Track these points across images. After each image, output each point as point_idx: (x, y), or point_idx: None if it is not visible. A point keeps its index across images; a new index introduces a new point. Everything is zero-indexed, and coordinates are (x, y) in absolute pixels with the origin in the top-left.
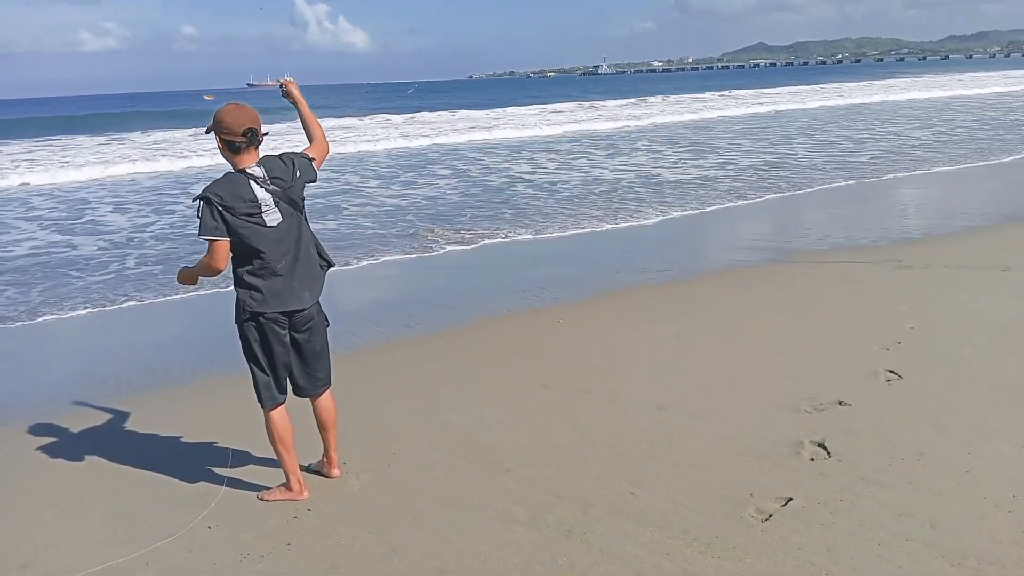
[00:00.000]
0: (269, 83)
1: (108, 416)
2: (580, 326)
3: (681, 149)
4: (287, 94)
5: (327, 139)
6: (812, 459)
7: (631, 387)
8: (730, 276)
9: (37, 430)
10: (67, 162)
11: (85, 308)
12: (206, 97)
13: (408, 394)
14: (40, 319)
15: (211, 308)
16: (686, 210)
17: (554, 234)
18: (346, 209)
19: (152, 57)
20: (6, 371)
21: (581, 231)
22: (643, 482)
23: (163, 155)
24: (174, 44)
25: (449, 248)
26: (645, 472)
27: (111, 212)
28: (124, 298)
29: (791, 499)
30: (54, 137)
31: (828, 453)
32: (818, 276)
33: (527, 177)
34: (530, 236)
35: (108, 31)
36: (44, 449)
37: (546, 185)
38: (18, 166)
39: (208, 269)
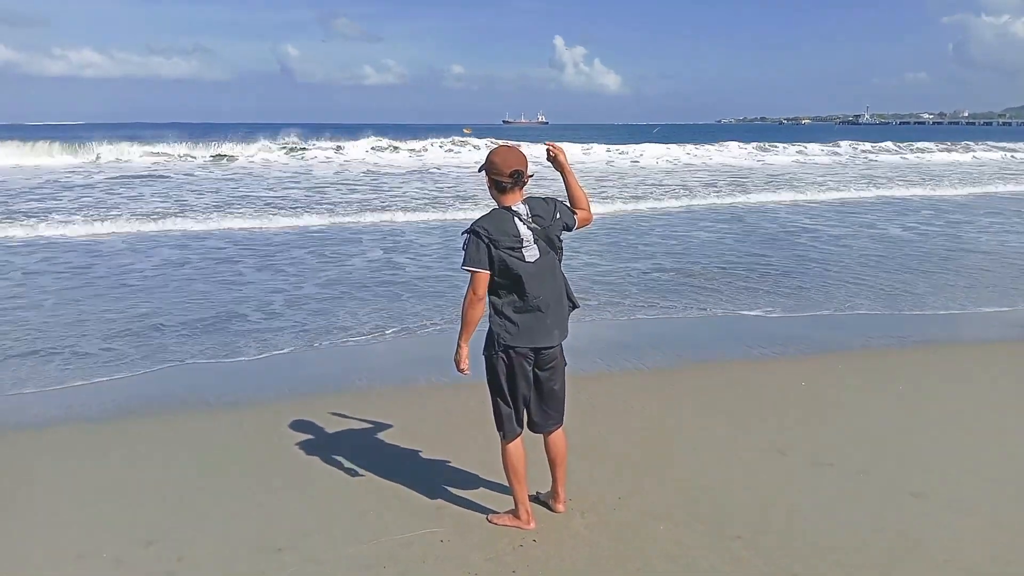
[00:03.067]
0: (522, 121)
1: (365, 424)
2: (822, 388)
3: None
4: (552, 159)
5: (591, 210)
6: None
7: (881, 467)
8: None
9: (315, 429)
10: None
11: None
12: (465, 131)
13: (639, 438)
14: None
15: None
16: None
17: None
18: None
19: (423, 92)
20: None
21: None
22: None
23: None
24: (443, 81)
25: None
26: (894, 570)
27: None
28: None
29: None
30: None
31: None
32: None
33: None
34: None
35: (388, 67)
36: (304, 445)
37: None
38: None
39: (470, 301)
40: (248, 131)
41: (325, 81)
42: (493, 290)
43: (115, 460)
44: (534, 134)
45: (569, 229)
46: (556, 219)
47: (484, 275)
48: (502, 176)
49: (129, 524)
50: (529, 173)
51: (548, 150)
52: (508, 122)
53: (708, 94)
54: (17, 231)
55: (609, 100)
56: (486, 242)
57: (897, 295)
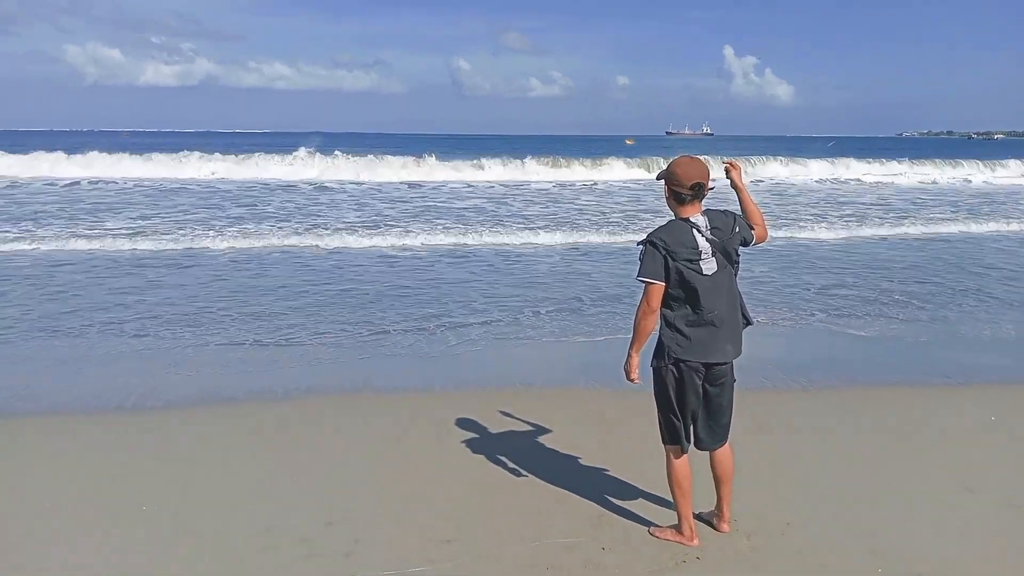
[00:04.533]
0: (686, 132)
1: (525, 424)
2: (1014, 423)
3: None
4: (728, 176)
5: (767, 228)
6: None
7: None
8: None
9: (478, 427)
10: None
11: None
12: (627, 141)
13: (807, 462)
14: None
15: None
16: None
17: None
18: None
19: (587, 103)
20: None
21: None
22: None
23: None
24: (607, 92)
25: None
26: None
27: None
28: None
29: None
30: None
31: None
32: None
33: None
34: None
35: (554, 80)
36: (468, 440)
37: None
38: None
39: (643, 312)
40: (426, 144)
41: (492, 93)
42: (666, 302)
43: (300, 439)
44: (698, 146)
45: (747, 244)
46: (735, 232)
47: (659, 287)
48: (682, 188)
49: (312, 503)
50: (710, 186)
51: (727, 169)
52: (671, 133)
53: (888, 105)
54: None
55: (780, 111)
56: (663, 253)
57: None
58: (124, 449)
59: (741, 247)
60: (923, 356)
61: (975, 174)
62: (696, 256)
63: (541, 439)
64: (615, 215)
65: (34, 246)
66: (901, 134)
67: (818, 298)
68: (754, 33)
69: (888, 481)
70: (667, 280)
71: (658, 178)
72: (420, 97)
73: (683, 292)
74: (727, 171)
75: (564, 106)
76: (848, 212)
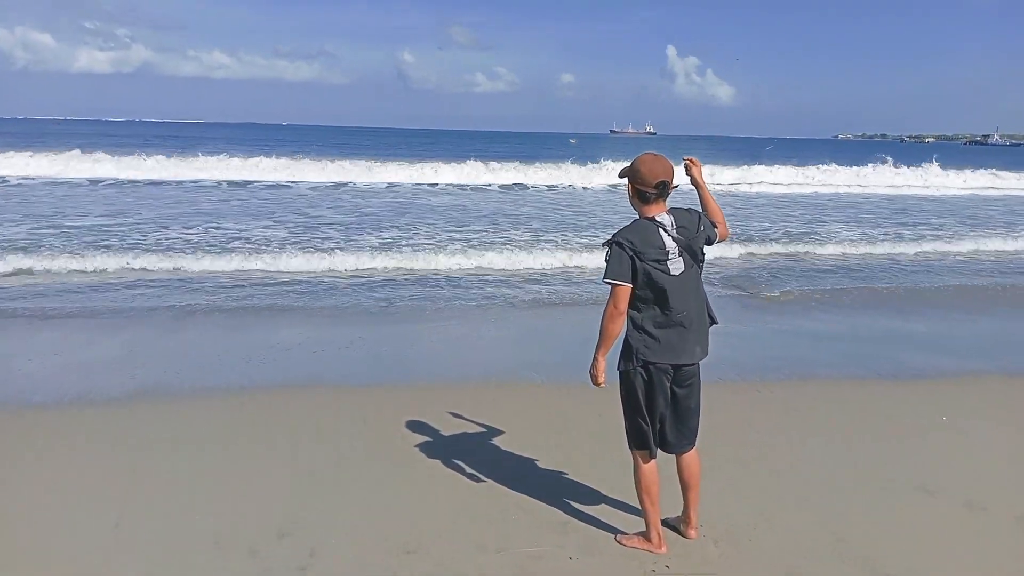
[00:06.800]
0: (630, 131)
1: (480, 425)
2: (964, 422)
3: None
4: (688, 173)
5: (727, 225)
6: None
7: None
8: None
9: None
10: None
11: None
12: (571, 141)
13: (772, 465)
14: None
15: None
16: None
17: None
18: None
19: (532, 100)
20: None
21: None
22: None
23: None
24: (552, 90)
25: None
26: None
27: None
28: None
29: None
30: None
31: None
32: None
33: None
34: None
35: (499, 75)
36: (423, 445)
37: None
38: None
39: (610, 314)
40: (371, 136)
41: (438, 87)
42: (632, 304)
43: (245, 444)
44: (641, 144)
45: (711, 243)
46: (700, 231)
47: (626, 288)
48: (647, 186)
49: (264, 511)
50: (674, 184)
51: (686, 165)
52: (615, 132)
53: (825, 108)
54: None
55: (721, 112)
56: (630, 254)
57: None
58: (56, 449)
59: (706, 245)
60: (878, 352)
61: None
62: (664, 256)
63: (496, 440)
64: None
65: None
66: (837, 136)
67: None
68: (696, 34)
69: (847, 479)
70: (634, 281)
71: (621, 175)
72: (365, 89)
73: (651, 293)
74: (687, 168)
75: (510, 102)
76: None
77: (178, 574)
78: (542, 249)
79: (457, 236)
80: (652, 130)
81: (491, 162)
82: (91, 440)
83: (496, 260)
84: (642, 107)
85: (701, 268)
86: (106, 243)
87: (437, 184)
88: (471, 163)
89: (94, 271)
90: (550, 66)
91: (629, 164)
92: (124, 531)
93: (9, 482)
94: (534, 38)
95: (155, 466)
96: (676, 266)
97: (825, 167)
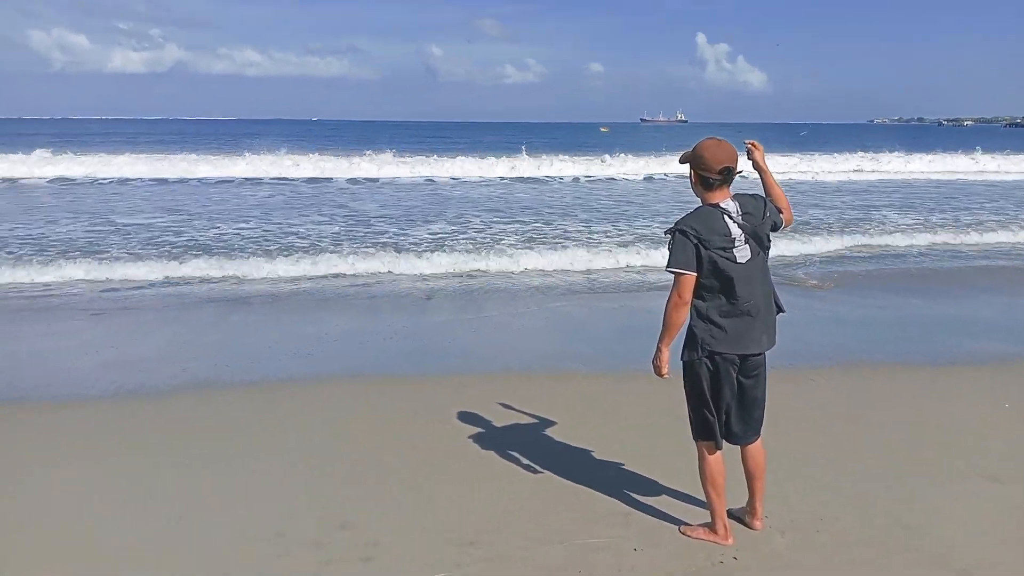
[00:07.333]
0: (661, 119)
1: (531, 416)
2: None
3: None
4: (750, 157)
5: (791, 211)
6: None
7: None
8: None
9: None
10: None
11: None
12: (602, 129)
13: (832, 454)
14: None
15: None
16: None
17: None
18: None
19: (561, 90)
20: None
21: None
22: None
23: None
24: (581, 80)
25: None
26: None
27: None
28: None
29: None
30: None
31: None
32: None
33: None
34: None
35: (528, 67)
36: (476, 436)
37: None
38: None
39: (674, 304)
40: (402, 130)
41: (467, 80)
42: (697, 292)
43: (295, 435)
44: (673, 132)
45: (776, 229)
46: (766, 217)
47: (691, 277)
48: (710, 172)
49: (324, 505)
50: (739, 170)
51: (748, 149)
52: (646, 120)
53: (859, 92)
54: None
55: (753, 98)
56: (694, 242)
57: None
58: (119, 440)
59: (771, 232)
60: (933, 337)
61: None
62: (729, 244)
63: (548, 431)
64: None
65: None
66: (872, 120)
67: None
68: (726, 20)
69: (912, 468)
70: (699, 269)
71: (682, 161)
72: (394, 84)
73: (716, 281)
74: (749, 152)
75: (539, 93)
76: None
77: (244, 565)
78: (589, 240)
79: (508, 228)
80: (683, 118)
81: (522, 154)
82: (148, 432)
83: (545, 252)
84: (672, 95)
85: (767, 255)
86: (161, 239)
87: (481, 177)
88: (505, 155)
89: (146, 266)
90: (579, 56)
91: (691, 150)
92: (187, 523)
93: (73, 475)
94: (563, 28)
95: (210, 458)
96: (742, 253)
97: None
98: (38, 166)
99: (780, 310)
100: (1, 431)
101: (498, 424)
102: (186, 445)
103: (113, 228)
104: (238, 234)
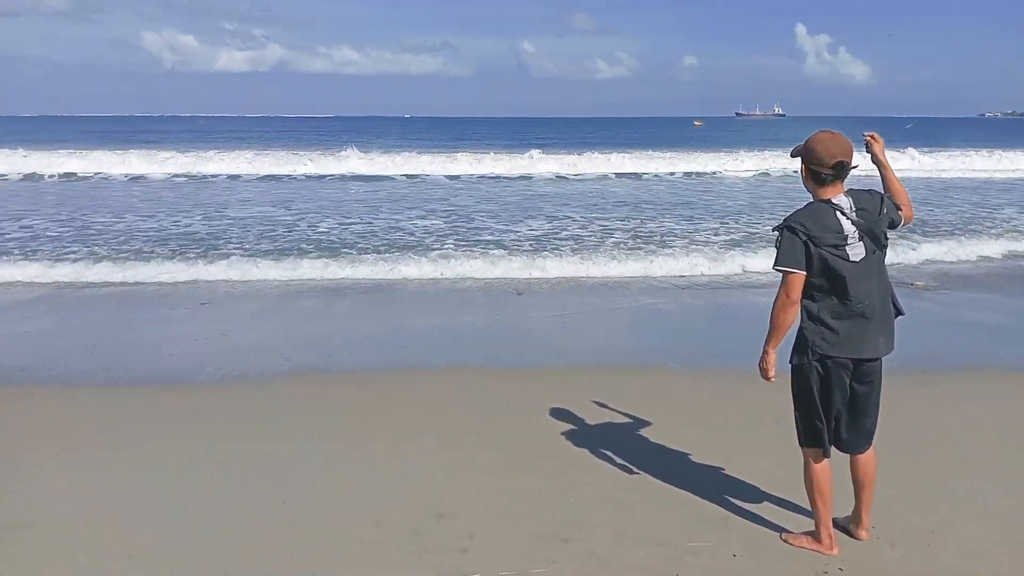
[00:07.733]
0: (757, 113)
1: (623, 414)
2: None
3: None
4: (868, 151)
5: (912, 208)
6: None
7: None
8: None
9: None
10: None
11: None
12: (696, 123)
13: (942, 464)
14: None
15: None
16: None
17: None
18: None
19: (655, 84)
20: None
21: None
22: None
23: None
24: (674, 73)
25: None
26: None
27: None
28: None
29: None
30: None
31: None
32: None
33: None
34: None
35: (620, 60)
36: (568, 433)
37: None
38: None
39: (782, 304)
40: (495, 126)
41: (558, 75)
42: (807, 292)
43: (391, 425)
44: (770, 126)
45: (895, 227)
46: (883, 213)
47: (800, 276)
48: (823, 167)
49: (421, 494)
50: (854, 164)
51: (867, 142)
52: (741, 114)
53: (969, 84)
54: None
55: (855, 91)
56: (803, 239)
57: None
58: (214, 427)
59: (889, 230)
60: None
61: None
62: (842, 241)
63: (643, 430)
64: None
65: None
66: (983, 114)
67: None
68: (827, 11)
69: None
70: (808, 268)
71: (793, 155)
72: (486, 80)
73: (828, 281)
74: (867, 145)
75: (631, 87)
76: None
77: (344, 552)
78: (689, 238)
79: (610, 225)
80: (780, 111)
81: (617, 151)
82: (250, 418)
83: (648, 255)
84: (768, 88)
85: (884, 254)
86: (273, 234)
87: (577, 174)
88: (598, 152)
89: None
90: (671, 49)
91: (803, 144)
92: (290, 508)
93: (183, 459)
94: (655, 20)
95: (310, 446)
96: (856, 251)
97: None
98: (163, 165)
99: (899, 312)
100: (107, 411)
101: (592, 421)
102: (284, 433)
103: (230, 221)
104: (346, 228)
